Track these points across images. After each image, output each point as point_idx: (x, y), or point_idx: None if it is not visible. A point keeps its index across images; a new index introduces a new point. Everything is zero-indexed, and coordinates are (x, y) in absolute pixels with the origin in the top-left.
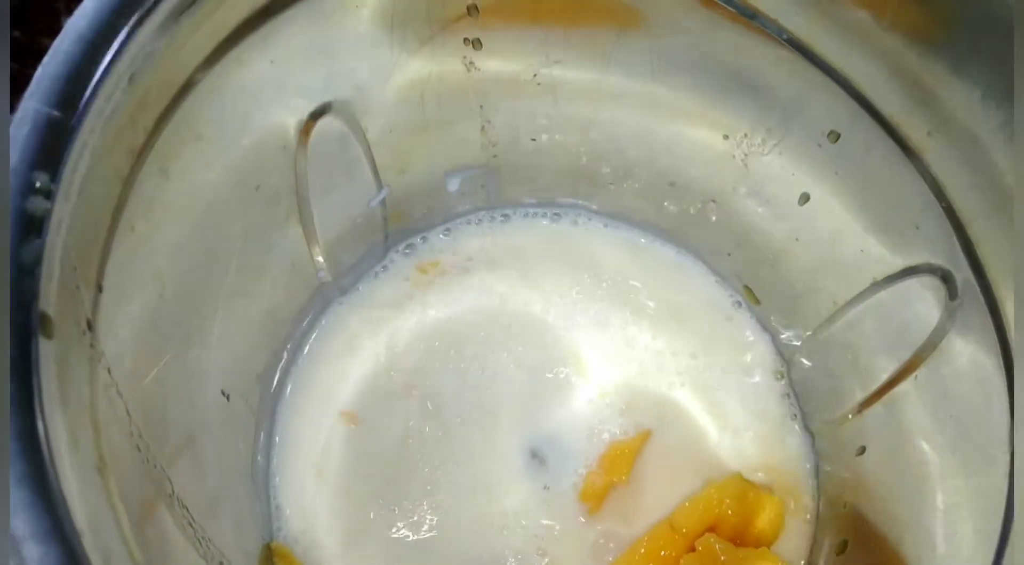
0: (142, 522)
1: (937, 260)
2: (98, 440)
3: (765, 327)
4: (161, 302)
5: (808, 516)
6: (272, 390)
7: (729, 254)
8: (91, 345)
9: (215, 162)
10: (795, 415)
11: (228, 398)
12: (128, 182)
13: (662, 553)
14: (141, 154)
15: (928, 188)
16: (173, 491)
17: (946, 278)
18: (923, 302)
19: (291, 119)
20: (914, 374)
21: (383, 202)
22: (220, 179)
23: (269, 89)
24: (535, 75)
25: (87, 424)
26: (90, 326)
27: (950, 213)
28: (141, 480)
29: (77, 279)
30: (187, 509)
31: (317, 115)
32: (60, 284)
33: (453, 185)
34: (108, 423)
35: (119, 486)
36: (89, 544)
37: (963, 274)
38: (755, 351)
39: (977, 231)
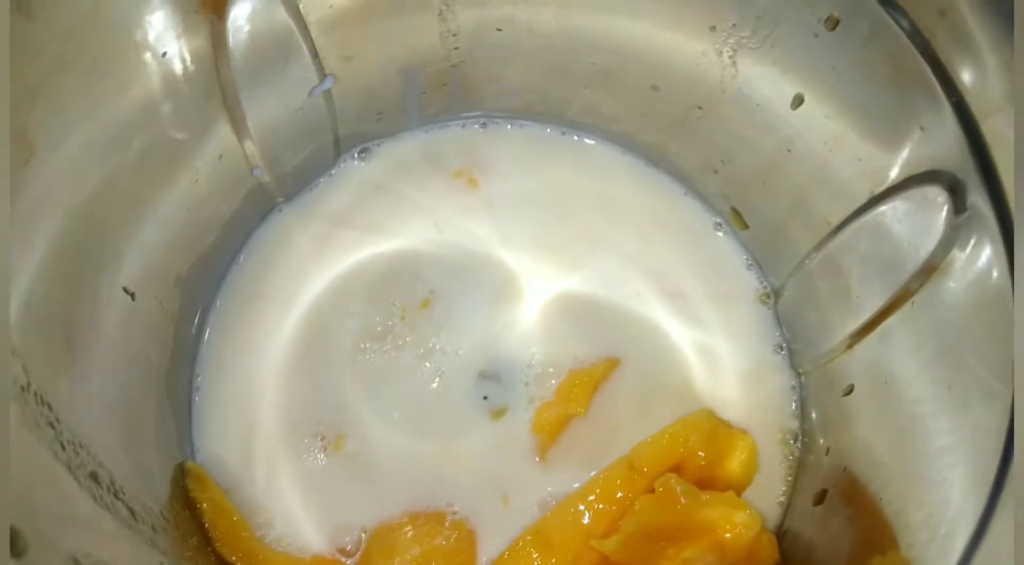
0: None
1: (943, 166)
2: None
3: (752, 253)
4: (27, 168)
5: (786, 461)
6: (198, 300)
7: (716, 171)
8: None
9: (95, 11)
10: (781, 349)
11: (133, 297)
12: None
13: (618, 494)
14: None
15: (936, 81)
16: (28, 384)
17: (953, 187)
18: (924, 217)
19: None
20: (911, 300)
21: (328, 94)
22: (106, 32)
23: None
24: None
25: None
26: None
27: (960, 109)
28: None
29: None
30: (49, 406)
31: None
32: None
33: (410, 81)
34: None
35: None
36: None
37: (972, 181)
38: (739, 279)
39: (990, 129)
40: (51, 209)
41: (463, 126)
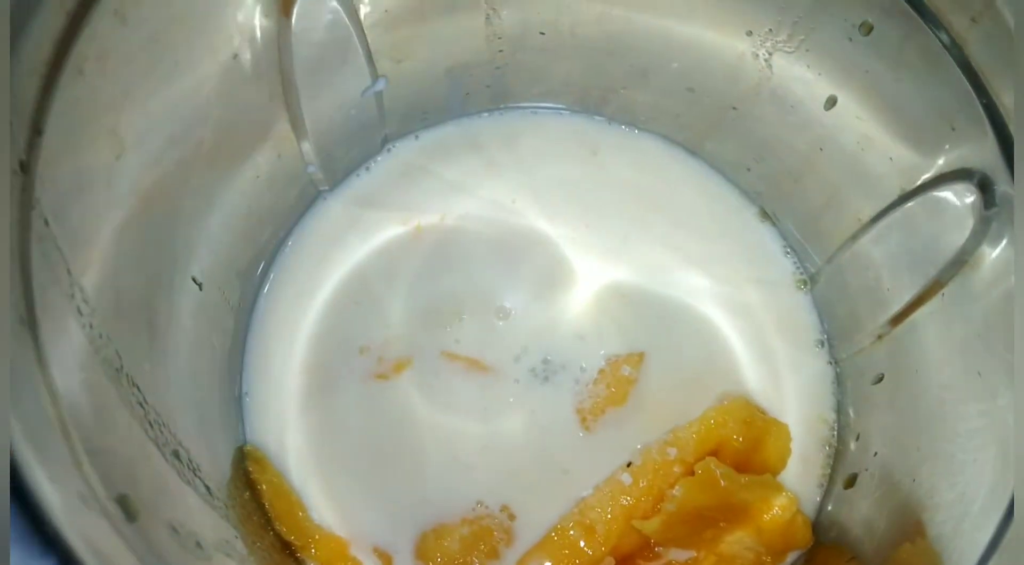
0: (77, 387)
1: (973, 164)
2: (27, 293)
3: (789, 243)
4: (118, 163)
5: (822, 448)
6: (252, 289)
7: (749, 169)
8: (23, 189)
9: (181, 16)
10: (821, 341)
11: (201, 287)
12: (75, 18)
13: (658, 477)
14: None
15: (968, 83)
16: (122, 366)
17: (982, 184)
18: (954, 212)
19: None
20: (941, 292)
21: (379, 95)
22: (188, 37)
23: None
24: None
25: (9, 271)
26: (23, 168)
27: (990, 110)
28: (80, 346)
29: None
30: (138, 388)
31: None
32: None
33: (455, 82)
34: (41, 278)
35: (49, 346)
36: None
37: (1001, 178)
38: (778, 269)
39: (1019, 130)
40: (136, 201)
41: (503, 114)
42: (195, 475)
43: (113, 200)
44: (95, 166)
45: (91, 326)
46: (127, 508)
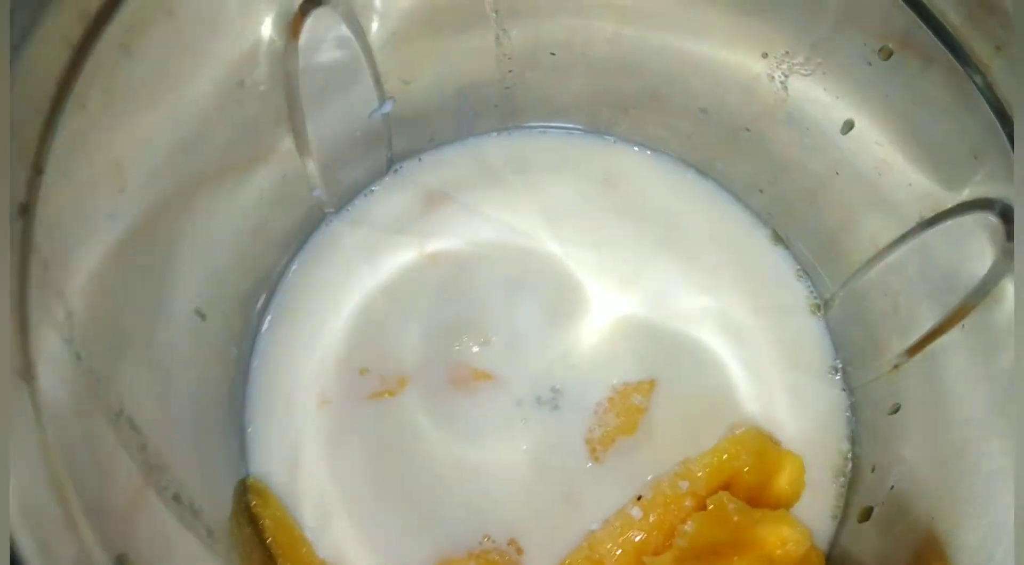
0: (74, 440)
1: (995, 194)
2: (24, 342)
3: (803, 267)
4: (121, 197)
5: (836, 479)
6: (255, 316)
7: (761, 191)
8: (23, 232)
9: (189, 45)
10: (835, 367)
11: (204, 317)
12: (80, 51)
13: (669, 511)
14: (97, 21)
15: (991, 111)
16: (122, 410)
17: (1005, 215)
18: (976, 243)
19: (281, 7)
20: (961, 323)
21: (386, 117)
22: (194, 65)
23: None
24: None
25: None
26: (24, 211)
27: (1013, 140)
28: (78, 392)
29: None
30: (138, 430)
31: (311, 4)
32: None
33: (463, 103)
34: (40, 325)
35: (47, 394)
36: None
37: None
38: (791, 293)
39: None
40: (138, 233)
41: (511, 134)
42: (195, 518)
43: (114, 231)
44: (97, 201)
45: (91, 371)
46: None
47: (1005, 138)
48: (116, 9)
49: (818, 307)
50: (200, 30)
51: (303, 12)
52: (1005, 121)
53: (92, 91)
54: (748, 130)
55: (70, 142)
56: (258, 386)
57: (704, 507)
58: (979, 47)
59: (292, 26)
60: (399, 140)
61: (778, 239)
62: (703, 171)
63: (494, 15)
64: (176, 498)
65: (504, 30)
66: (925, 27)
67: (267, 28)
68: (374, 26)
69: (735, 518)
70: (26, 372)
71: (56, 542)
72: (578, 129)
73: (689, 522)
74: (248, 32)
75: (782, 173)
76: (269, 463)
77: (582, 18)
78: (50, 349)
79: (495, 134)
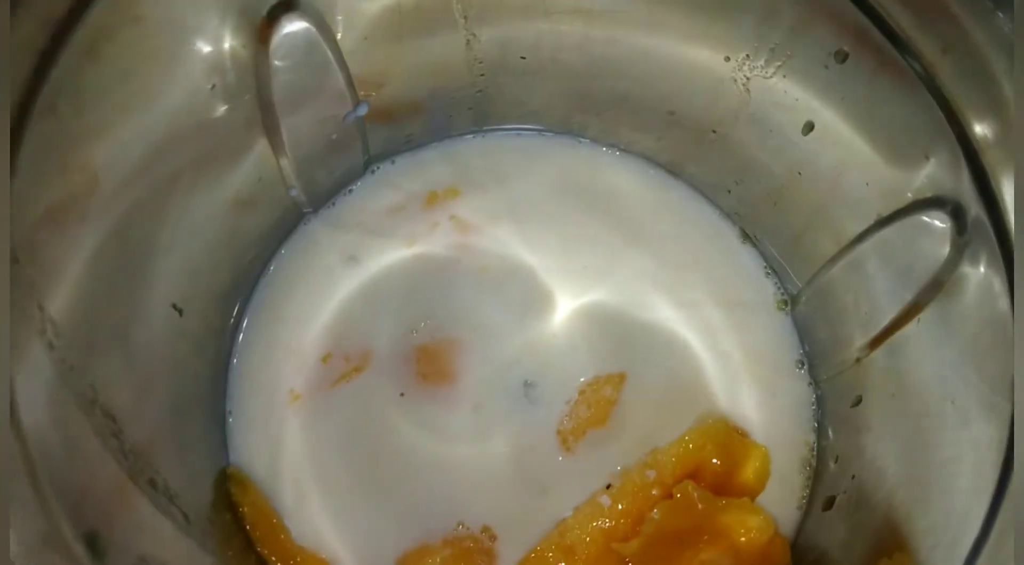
0: (46, 424)
1: (946, 193)
2: None
3: (770, 265)
4: (93, 197)
5: (802, 470)
6: (235, 313)
7: (729, 191)
8: None
9: (157, 50)
10: (801, 362)
11: (181, 313)
12: (45, 56)
13: (637, 499)
14: (63, 28)
15: (940, 113)
16: (96, 399)
17: (956, 212)
18: (930, 238)
19: (250, 12)
20: (917, 317)
21: (360, 120)
22: (163, 70)
23: None
24: None
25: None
26: None
27: (962, 141)
28: (51, 381)
29: None
30: (113, 419)
31: (280, 10)
32: None
33: (437, 106)
34: (12, 316)
35: (18, 384)
36: None
37: (973, 207)
38: (759, 291)
39: (990, 160)
40: (111, 234)
41: (486, 136)
42: (171, 503)
43: (87, 234)
44: (68, 203)
45: (63, 361)
46: (94, 546)
47: (954, 138)
48: (82, 16)
49: (785, 303)
50: (167, 36)
51: (271, 17)
52: (954, 121)
53: (61, 95)
54: (715, 132)
55: (39, 145)
56: (238, 380)
57: (671, 496)
58: (927, 50)
59: (261, 31)
60: (375, 141)
61: (746, 238)
62: (673, 172)
63: (463, 20)
64: (151, 483)
65: (474, 35)
66: (877, 30)
67: (236, 34)
68: (344, 32)
69: (700, 506)
70: None
71: (23, 518)
72: (550, 131)
73: (655, 510)
74: (216, 38)
75: (748, 173)
76: (250, 453)
77: (550, 22)
78: (21, 338)
79: (470, 136)
